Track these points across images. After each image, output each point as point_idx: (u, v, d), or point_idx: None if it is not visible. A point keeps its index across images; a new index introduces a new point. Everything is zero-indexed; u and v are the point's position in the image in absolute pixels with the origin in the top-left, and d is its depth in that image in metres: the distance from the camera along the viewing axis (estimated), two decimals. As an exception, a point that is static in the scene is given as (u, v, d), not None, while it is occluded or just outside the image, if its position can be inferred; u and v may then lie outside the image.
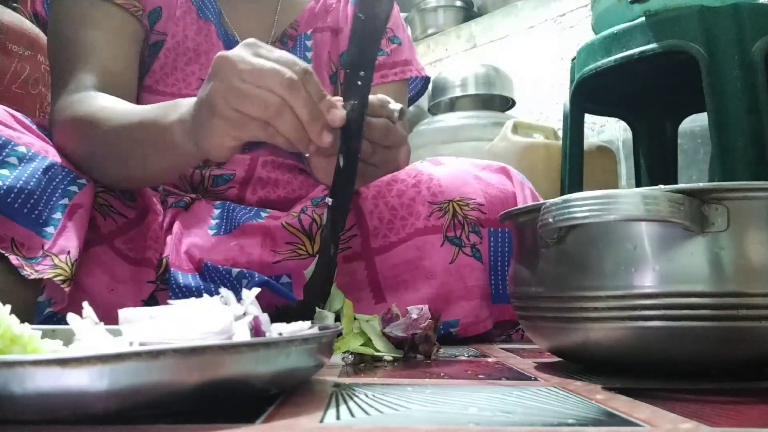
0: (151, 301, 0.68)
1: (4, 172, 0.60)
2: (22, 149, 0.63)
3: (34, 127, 0.69)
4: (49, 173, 0.64)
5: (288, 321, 0.44)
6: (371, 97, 0.60)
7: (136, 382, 0.28)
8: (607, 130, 2.03)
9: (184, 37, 0.84)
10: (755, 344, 0.39)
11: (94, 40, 0.75)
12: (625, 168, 1.95)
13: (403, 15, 1.01)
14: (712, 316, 0.38)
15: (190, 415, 0.30)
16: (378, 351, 0.54)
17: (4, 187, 0.59)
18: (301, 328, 0.43)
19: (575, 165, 1.43)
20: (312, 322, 0.44)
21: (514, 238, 0.53)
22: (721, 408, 0.33)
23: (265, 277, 0.68)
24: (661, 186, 0.39)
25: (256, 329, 0.39)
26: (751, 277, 0.38)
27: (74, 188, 0.65)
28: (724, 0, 1.12)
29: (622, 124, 1.85)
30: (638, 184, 1.61)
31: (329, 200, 0.60)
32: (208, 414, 0.31)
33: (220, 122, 0.54)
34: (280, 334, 0.41)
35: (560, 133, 1.61)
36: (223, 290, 0.42)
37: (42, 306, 0.60)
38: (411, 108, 1.86)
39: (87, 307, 0.37)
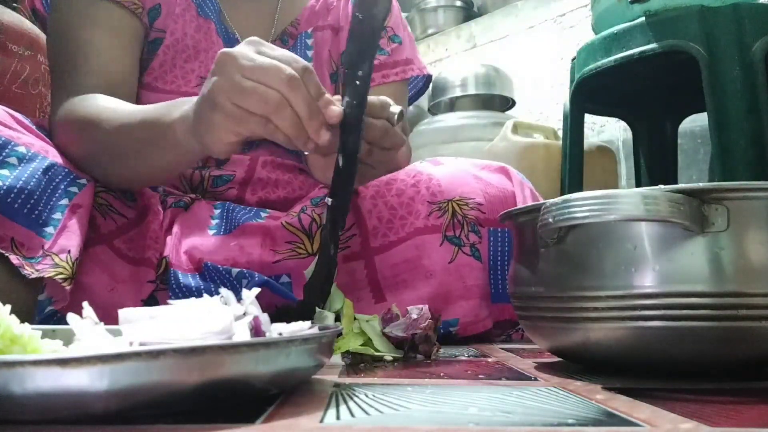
0: (151, 300, 0.68)
1: (4, 172, 0.61)
2: (22, 149, 0.63)
3: (33, 127, 0.69)
4: (49, 173, 0.64)
5: (288, 321, 0.44)
6: (372, 98, 0.60)
7: (136, 382, 0.28)
8: (607, 130, 2.03)
9: (183, 34, 0.84)
10: (755, 344, 0.39)
11: (94, 38, 0.75)
12: (625, 168, 1.95)
13: (403, 15, 1.00)
14: (712, 316, 0.38)
15: (190, 415, 0.30)
16: (378, 351, 0.54)
17: (4, 188, 0.59)
18: (301, 328, 0.43)
19: (575, 165, 1.43)
20: (312, 322, 0.44)
21: (514, 238, 0.53)
22: (721, 408, 0.33)
23: (265, 277, 0.68)
24: (661, 186, 0.39)
25: (256, 329, 0.39)
26: (751, 277, 0.38)
27: (74, 188, 0.66)
28: (724, 0, 1.12)
29: (622, 124, 1.85)
30: (638, 184, 1.61)
31: (329, 200, 0.60)
32: (208, 414, 0.31)
33: (220, 117, 0.55)
34: (280, 334, 0.41)
35: (560, 133, 1.61)
36: (223, 290, 0.42)
37: (43, 304, 0.61)
38: (411, 108, 1.85)
39: (87, 307, 0.37)
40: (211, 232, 0.74)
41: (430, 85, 1.25)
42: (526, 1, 2.33)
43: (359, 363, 0.53)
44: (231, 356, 0.30)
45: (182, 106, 0.61)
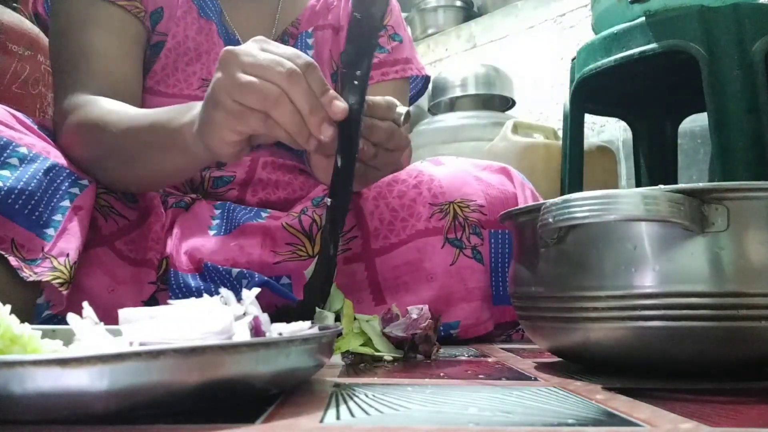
0: (152, 301, 0.68)
1: (5, 173, 0.60)
2: (23, 150, 0.63)
3: (35, 127, 0.69)
4: (51, 174, 0.64)
5: (288, 321, 0.44)
6: (379, 99, 0.60)
7: (136, 382, 0.28)
8: (607, 130, 2.03)
9: (184, 37, 0.83)
10: (755, 344, 0.39)
11: (94, 40, 0.75)
12: (625, 168, 1.95)
13: (403, 15, 1.00)
14: (712, 316, 0.38)
15: (190, 415, 0.30)
16: (378, 351, 0.54)
17: (5, 188, 0.59)
18: (301, 328, 0.43)
19: (575, 165, 1.43)
20: (312, 322, 0.44)
21: (514, 238, 0.53)
22: (721, 408, 0.33)
23: (265, 278, 0.68)
24: (661, 186, 0.39)
25: (256, 329, 0.39)
26: (751, 277, 0.38)
27: (76, 189, 0.65)
28: (724, 0, 1.12)
29: (622, 124, 1.85)
30: (638, 184, 1.61)
31: (328, 200, 0.60)
32: (208, 414, 0.31)
33: (221, 115, 0.54)
34: (280, 334, 0.41)
35: (560, 133, 1.61)
36: (223, 290, 0.42)
37: (41, 308, 0.60)
38: (411, 108, 1.85)
39: (87, 307, 0.37)
40: (211, 233, 0.74)
41: (430, 85, 1.25)
42: (526, 1, 2.33)
43: (359, 363, 0.53)
44: (231, 356, 0.30)
45: (191, 110, 0.60)
